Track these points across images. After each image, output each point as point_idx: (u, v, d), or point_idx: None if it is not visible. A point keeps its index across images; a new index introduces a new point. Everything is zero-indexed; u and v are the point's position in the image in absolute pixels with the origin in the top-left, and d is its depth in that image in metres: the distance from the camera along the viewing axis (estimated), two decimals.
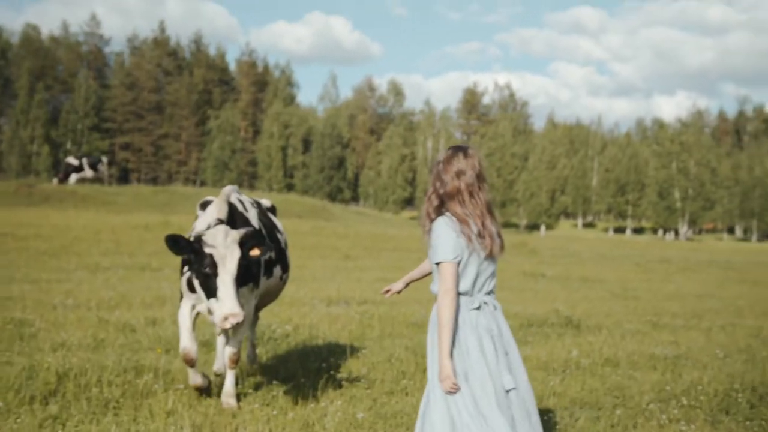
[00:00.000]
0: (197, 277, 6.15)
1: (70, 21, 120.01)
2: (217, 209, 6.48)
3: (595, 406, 7.13)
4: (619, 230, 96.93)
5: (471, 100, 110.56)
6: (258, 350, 8.99)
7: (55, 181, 41.00)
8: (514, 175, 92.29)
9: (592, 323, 12.07)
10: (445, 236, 4.38)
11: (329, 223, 37.64)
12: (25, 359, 7.75)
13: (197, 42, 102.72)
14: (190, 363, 6.72)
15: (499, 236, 4.56)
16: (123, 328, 9.94)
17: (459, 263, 4.39)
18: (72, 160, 41.47)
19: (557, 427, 6.38)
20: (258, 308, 8.08)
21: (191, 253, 6.09)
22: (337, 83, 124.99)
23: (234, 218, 6.61)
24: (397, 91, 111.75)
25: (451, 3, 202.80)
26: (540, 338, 10.70)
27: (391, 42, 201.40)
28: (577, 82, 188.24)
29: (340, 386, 7.50)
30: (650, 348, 10.03)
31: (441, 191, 4.51)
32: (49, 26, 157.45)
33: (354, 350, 9.28)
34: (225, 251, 5.99)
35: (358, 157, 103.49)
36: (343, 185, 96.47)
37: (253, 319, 8.04)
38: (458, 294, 4.41)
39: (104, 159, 43.01)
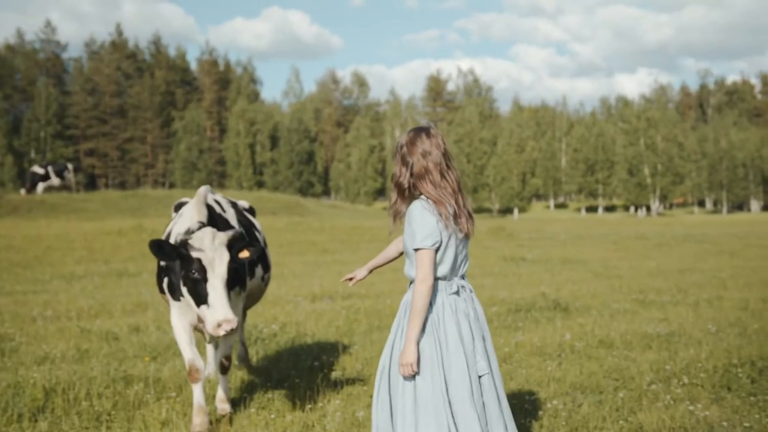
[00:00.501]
0: (185, 284, 5.79)
1: (24, 29, 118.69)
2: (196, 211, 6.12)
3: (596, 389, 7.02)
4: (591, 209, 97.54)
5: (435, 88, 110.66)
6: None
7: (22, 191, 40.33)
8: (483, 160, 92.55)
9: (579, 305, 11.99)
10: (424, 221, 4.21)
11: (304, 218, 37.40)
12: (10, 375, 7.51)
13: (156, 43, 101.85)
14: (197, 375, 6.26)
15: (471, 216, 4.42)
16: (106, 337, 9.71)
17: (437, 250, 4.25)
18: (38, 169, 40.79)
19: (561, 414, 6.27)
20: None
21: (177, 259, 5.76)
22: (300, 78, 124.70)
23: (214, 220, 6.29)
24: (361, 82, 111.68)
25: None
26: (530, 323, 10.59)
27: (351, 33, 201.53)
28: (538, 64, 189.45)
29: (336, 385, 7.34)
30: (641, 327, 9.96)
31: (409, 174, 4.34)
32: (3, 35, 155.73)
33: (344, 346, 9.13)
34: (213, 255, 5.67)
35: (326, 151, 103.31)
36: (313, 179, 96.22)
37: (241, 320, 7.84)
38: (436, 279, 4.28)
39: (70, 166, 42.26)
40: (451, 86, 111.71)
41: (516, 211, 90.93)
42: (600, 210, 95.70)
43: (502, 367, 7.85)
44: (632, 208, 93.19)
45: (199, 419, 6.17)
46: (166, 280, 6.29)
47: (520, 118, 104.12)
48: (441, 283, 4.33)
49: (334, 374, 7.82)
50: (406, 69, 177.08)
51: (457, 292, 4.36)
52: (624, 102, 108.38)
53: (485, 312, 11.07)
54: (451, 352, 4.25)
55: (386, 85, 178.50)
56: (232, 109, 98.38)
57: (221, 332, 5.46)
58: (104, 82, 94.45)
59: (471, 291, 4.48)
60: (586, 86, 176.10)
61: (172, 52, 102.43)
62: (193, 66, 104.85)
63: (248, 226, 7.22)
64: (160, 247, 5.67)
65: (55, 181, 40.07)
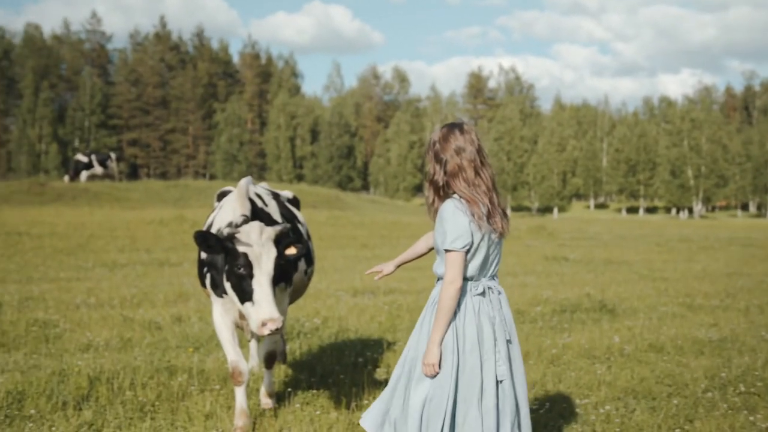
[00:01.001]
0: (228, 279, 5.56)
1: (71, 19, 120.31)
2: (239, 204, 5.85)
3: (648, 395, 6.82)
4: (632, 210, 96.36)
5: (476, 85, 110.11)
6: (288, 345, 8.73)
7: (66, 178, 40.81)
8: (524, 159, 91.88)
9: (626, 307, 11.75)
10: (456, 222, 4.08)
11: (344, 212, 37.32)
12: (55, 362, 7.51)
13: (199, 36, 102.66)
14: (240, 378, 6.01)
15: (505, 214, 4.28)
16: (149, 326, 9.68)
17: (468, 251, 4.12)
18: (81, 157, 41.28)
19: (614, 419, 6.08)
20: None
21: (222, 252, 5.54)
22: (341, 72, 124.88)
23: (256, 214, 6.00)
24: (401, 78, 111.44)
25: None
26: (576, 324, 10.38)
27: (392, 29, 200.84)
28: (580, 63, 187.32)
29: (381, 382, 7.21)
30: (692, 331, 9.71)
31: (442, 171, 4.21)
32: (50, 25, 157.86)
33: (388, 343, 9.02)
34: (260, 250, 5.41)
35: (366, 146, 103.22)
36: (353, 174, 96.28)
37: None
38: (464, 279, 4.15)
39: (113, 155, 42.75)
40: (492, 83, 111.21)
41: (556, 210, 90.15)
42: (641, 211, 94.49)
43: (550, 369, 7.68)
44: (674, 210, 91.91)
45: (241, 422, 5.99)
46: (209, 276, 6.09)
47: (561, 116, 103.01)
48: (468, 284, 4.21)
49: (379, 371, 7.70)
50: (447, 66, 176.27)
51: (482, 293, 4.22)
52: (667, 102, 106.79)
53: (529, 312, 10.96)
54: (467, 354, 4.15)
55: (426, 82, 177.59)
56: (273, 102, 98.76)
57: (266, 331, 5.21)
58: (148, 73, 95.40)
59: (500, 293, 4.32)
60: (628, 86, 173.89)
61: (215, 44, 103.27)
62: (236, 59, 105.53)
63: (291, 218, 6.87)
64: (205, 239, 5.48)
65: (98, 169, 40.53)
